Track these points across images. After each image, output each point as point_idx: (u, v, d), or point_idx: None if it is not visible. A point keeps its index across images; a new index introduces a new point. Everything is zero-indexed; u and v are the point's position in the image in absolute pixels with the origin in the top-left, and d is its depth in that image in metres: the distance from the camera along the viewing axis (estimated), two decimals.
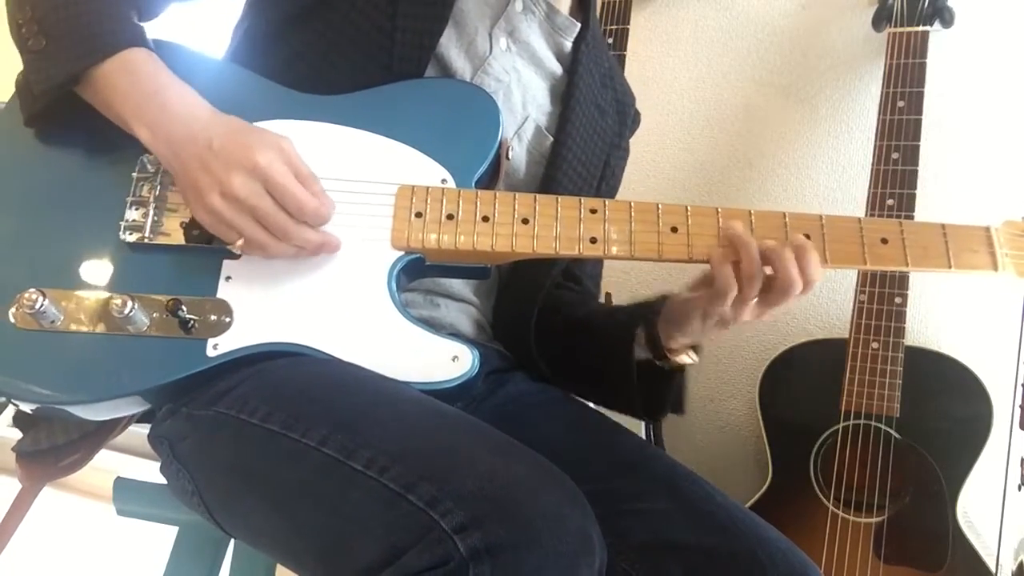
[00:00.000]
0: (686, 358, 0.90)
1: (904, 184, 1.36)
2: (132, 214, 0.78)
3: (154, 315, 0.75)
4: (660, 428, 1.65)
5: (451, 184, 0.81)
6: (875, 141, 1.40)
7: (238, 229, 0.73)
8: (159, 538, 1.04)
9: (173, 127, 0.74)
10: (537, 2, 0.96)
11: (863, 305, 1.37)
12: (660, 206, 0.80)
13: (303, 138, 0.78)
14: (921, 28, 1.42)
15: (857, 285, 1.39)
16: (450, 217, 0.79)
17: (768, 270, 0.76)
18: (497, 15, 0.93)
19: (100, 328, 0.75)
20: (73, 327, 0.75)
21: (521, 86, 0.95)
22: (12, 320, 0.74)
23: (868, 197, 1.39)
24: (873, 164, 1.40)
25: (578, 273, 1.07)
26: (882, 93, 1.42)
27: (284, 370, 0.74)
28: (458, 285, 0.95)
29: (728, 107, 1.73)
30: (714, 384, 1.73)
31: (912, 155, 1.37)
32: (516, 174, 0.95)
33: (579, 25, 1.00)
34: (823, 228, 0.79)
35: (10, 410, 0.84)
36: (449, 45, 0.89)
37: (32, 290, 0.73)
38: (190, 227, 0.77)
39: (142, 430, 0.86)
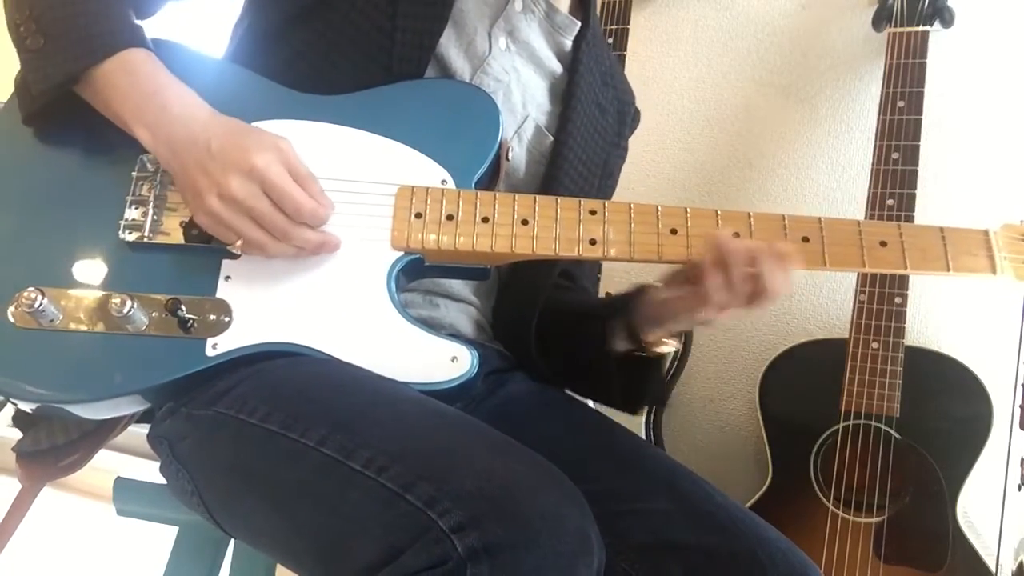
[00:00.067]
0: (665, 347, 0.90)
1: (904, 184, 1.36)
2: (131, 213, 0.78)
3: (153, 314, 0.75)
4: (660, 428, 1.65)
5: (451, 185, 0.81)
6: (875, 141, 1.40)
7: (236, 230, 0.73)
8: (159, 538, 1.04)
9: (173, 128, 0.74)
10: (537, 1, 0.95)
11: (863, 305, 1.37)
12: (660, 208, 0.80)
13: (303, 138, 0.78)
14: (921, 28, 1.42)
15: (857, 285, 1.39)
16: (450, 218, 0.79)
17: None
18: (496, 15, 0.93)
19: (99, 327, 0.75)
20: (72, 326, 0.75)
21: (521, 86, 0.95)
22: (11, 319, 0.74)
23: (868, 197, 1.39)
24: (873, 164, 1.39)
25: (575, 272, 1.07)
26: (882, 93, 1.42)
27: (283, 370, 0.74)
28: (458, 285, 0.95)
29: (728, 107, 1.73)
30: (714, 384, 1.73)
31: (912, 155, 1.37)
32: (516, 174, 0.95)
33: (579, 23, 0.99)
34: (822, 231, 0.79)
35: (10, 410, 0.84)
36: (449, 45, 0.89)
37: (31, 289, 0.73)
38: (189, 226, 0.77)
39: (142, 430, 0.86)
